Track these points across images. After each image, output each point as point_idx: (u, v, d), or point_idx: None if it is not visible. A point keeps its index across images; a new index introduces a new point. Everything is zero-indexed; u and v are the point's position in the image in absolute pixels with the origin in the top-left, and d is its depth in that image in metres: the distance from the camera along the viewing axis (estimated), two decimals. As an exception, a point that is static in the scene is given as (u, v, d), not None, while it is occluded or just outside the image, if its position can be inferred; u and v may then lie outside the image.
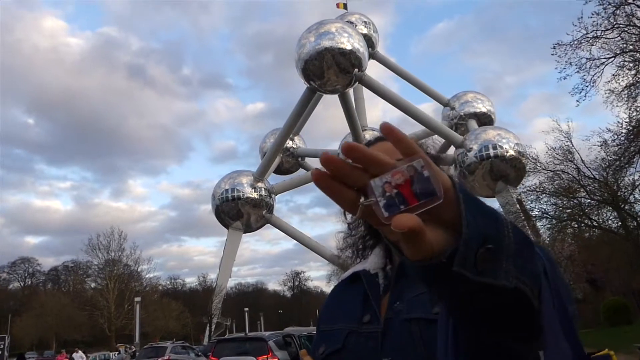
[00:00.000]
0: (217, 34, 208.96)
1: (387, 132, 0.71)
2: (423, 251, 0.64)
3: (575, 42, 18.37)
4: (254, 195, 44.85)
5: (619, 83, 18.79)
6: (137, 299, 45.69)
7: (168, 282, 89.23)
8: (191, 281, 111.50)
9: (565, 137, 23.95)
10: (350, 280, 1.39)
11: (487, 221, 0.69)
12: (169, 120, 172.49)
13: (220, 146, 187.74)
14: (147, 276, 68.73)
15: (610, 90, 19.15)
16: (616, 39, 18.17)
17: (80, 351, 34.68)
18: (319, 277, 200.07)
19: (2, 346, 33.27)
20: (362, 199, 0.67)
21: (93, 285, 70.89)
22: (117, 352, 46.50)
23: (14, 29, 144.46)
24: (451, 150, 46.09)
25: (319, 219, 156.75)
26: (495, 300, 0.70)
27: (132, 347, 41.67)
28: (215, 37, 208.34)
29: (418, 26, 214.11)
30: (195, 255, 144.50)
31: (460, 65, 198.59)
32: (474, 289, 0.67)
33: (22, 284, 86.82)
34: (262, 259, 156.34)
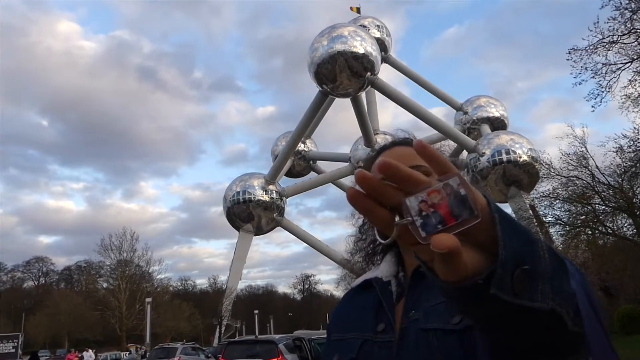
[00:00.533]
0: (228, 37, 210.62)
1: (421, 149, 0.70)
2: (459, 272, 0.63)
3: (591, 47, 18.18)
4: (265, 197, 44.96)
5: (636, 89, 18.58)
6: (148, 299, 45.96)
7: (179, 284, 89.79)
8: (202, 283, 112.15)
9: (579, 143, 23.71)
10: (361, 288, 1.37)
11: (522, 242, 0.68)
12: (180, 122, 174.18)
13: (231, 149, 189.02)
14: (158, 277, 69.19)
15: (626, 95, 18.93)
16: (633, 44, 17.95)
17: (90, 350, 34.96)
18: (329, 280, 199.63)
19: (16, 344, 33.75)
20: (397, 218, 0.66)
21: (105, 285, 71.50)
22: (128, 352, 46.86)
23: (29, 33, 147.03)
24: (464, 155, 45.83)
25: (329, 222, 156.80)
26: (529, 321, 0.69)
27: (143, 347, 41.94)
28: (226, 40, 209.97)
29: (428, 31, 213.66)
30: (206, 257, 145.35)
31: (471, 70, 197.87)
32: (509, 310, 0.66)
33: (36, 283, 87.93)
34: (271, 261, 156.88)
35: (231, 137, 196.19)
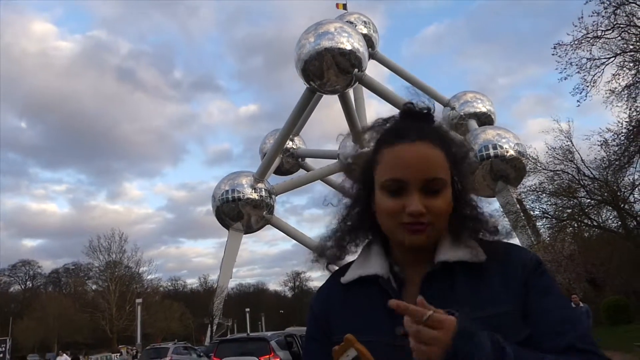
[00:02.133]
0: (207, 37, 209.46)
1: (395, 307, 0.99)
2: None
3: (576, 42, 18.41)
4: (254, 196, 44.88)
5: (619, 83, 18.84)
6: (139, 300, 45.72)
7: (169, 284, 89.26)
8: (192, 282, 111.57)
9: (565, 137, 24.02)
10: (356, 283, 1.26)
11: None
12: (162, 123, 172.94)
13: (215, 148, 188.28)
14: (148, 278, 68.76)
15: (610, 90, 19.19)
16: (616, 39, 18.20)
17: (64, 354, 34.61)
18: (319, 277, 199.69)
19: (3, 349, 33.34)
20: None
21: (94, 287, 70.90)
22: (119, 354, 46.54)
23: (2, 34, 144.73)
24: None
25: (316, 220, 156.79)
26: None
27: (134, 348, 41.69)
28: (205, 40, 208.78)
29: (408, 29, 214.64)
30: (194, 256, 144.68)
31: (452, 67, 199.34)
32: None
33: (23, 287, 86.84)
34: (260, 259, 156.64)
35: (215, 136, 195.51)
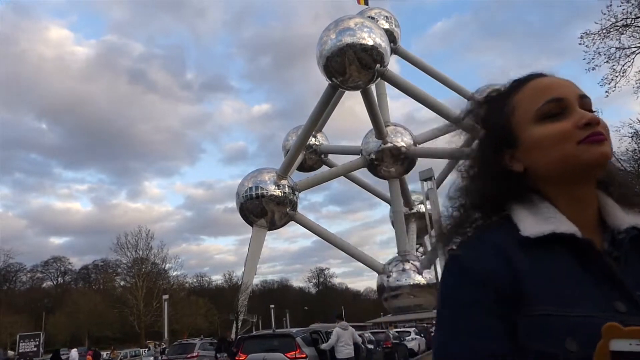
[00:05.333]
0: (215, 38, 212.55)
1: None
2: None
3: (604, 31, 17.90)
4: (278, 192, 45.11)
5: (651, 72, 18.26)
6: (165, 296, 46.52)
7: (194, 280, 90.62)
8: (217, 279, 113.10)
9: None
10: (539, 242, 0.96)
11: None
12: (176, 123, 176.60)
13: (230, 147, 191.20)
14: (173, 274, 69.95)
15: (641, 79, 18.59)
16: (647, 27, 17.65)
17: (75, 350, 36.18)
18: (342, 274, 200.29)
19: (37, 343, 34.44)
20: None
21: (122, 283, 72.52)
22: (146, 349, 47.51)
23: (19, 40, 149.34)
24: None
25: (334, 217, 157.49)
26: None
27: (162, 343, 42.49)
28: (214, 41, 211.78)
29: (416, 26, 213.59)
30: (215, 253, 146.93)
31: (463, 63, 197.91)
32: None
33: (54, 283, 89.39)
34: (281, 256, 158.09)
35: (229, 135, 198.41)
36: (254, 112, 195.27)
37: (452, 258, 1.01)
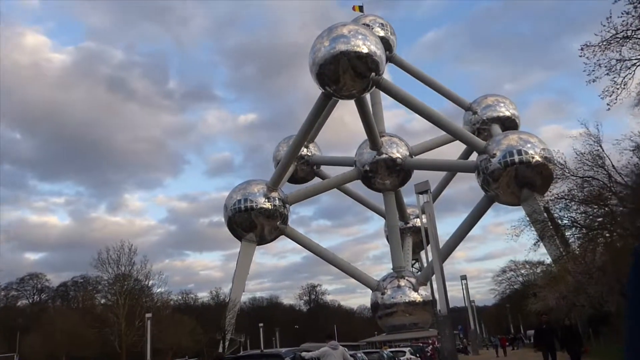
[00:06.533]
0: (199, 46, 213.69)
1: None
2: None
3: (605, 43, 18.26)
4: (268, 205, 45.15)
5: (651, 84, 18.61)
6: (148, 315, 46.03)
7: (179, 297, 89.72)
8: (203, 296, 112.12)
9: (594, 142, 23.75)
10: None
11: None
12: (158, 133, 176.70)
13: (215, 158, 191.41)
14: (157, 291, 69.21)
15: (641, 92, 18.94)
16: (647, 39, 18.01)
17: None
18: (333, 291, 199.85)
19: (11, 364, 33.90)
20: None
21: (103, 301, 71.52)
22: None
23: None
24: (474, 157, 45.87)
25: (325, 231, 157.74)
26: None
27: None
28: (198, 49, 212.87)
29: (406, 36, 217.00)
30: (200, 269, 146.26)
31: (453, 73, 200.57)
32: None
33: (30, 301, 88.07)
34: (270, 272, 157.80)
35: (214, 146, 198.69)
36: (239, 122, 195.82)
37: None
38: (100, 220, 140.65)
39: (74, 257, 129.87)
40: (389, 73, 63.80)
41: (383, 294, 45.14)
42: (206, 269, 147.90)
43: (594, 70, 18.81)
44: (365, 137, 47.58)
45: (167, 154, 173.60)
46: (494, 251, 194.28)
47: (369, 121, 44.94)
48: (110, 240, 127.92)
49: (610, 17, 17.81)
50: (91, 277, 73.81)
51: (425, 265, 55.71)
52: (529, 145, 41.12)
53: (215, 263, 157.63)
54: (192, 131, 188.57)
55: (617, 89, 18.81)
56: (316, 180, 57.74)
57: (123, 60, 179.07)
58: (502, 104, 55.56)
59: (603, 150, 23.63)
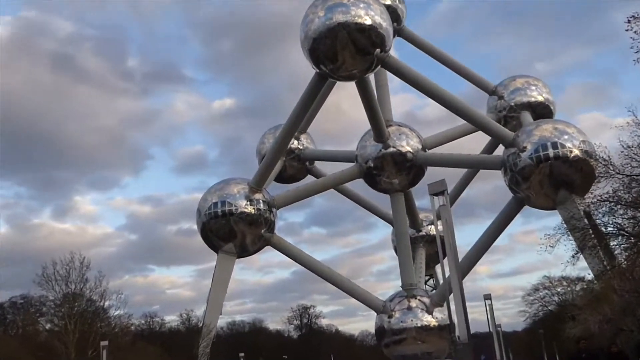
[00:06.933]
0: (165, 17, 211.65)
1: None
2: None
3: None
4: (250, 209, 45.12)
5: None
6: (104, 342, 46.01)
7: (142, 322, 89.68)
8: (171, 320, 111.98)
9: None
10: None
11: None
12: (115, 122, 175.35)
13: (185, 152, 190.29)
14: (115, 313, 69.04)
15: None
16: None
17: None
18: (329, 313, 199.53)
19: None
20: None
21: (48, 326, 71.32)
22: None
23: None
24: (500, 150, 46.05)
25: (318, 242, 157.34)
26: None
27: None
28: (163, 20, 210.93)
29: (418, 4, 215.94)
30: (168, 287, 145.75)
31: (475, 49, 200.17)
32: None
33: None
34: (252, 291, 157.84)
35: (183, 138, 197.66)
36: (214, 109, 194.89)
37: None
38: (45, 227, 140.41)
39: (12, 273, 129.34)
40: (396, 49, 64.11)
41: (390, 317, 45.27)
42: (174, 287, 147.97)
43: (644, 46, 18.95)
44: (369, 126, 47.67)
45: (126, 148, 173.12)
46: (524, 265, 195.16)
47: (373, 107, 44.98)
48: (57, 251, 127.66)
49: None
50: (34, 297, 73.67)
51: (441, 282, 55.91)
52: (566, 137, 41.27)
53: (186, 280, 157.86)
54: (156, 120, 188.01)
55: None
56: (309, 179, 57.76)
57: (71, 34, 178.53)
58: (533, 87, 55.79)
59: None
